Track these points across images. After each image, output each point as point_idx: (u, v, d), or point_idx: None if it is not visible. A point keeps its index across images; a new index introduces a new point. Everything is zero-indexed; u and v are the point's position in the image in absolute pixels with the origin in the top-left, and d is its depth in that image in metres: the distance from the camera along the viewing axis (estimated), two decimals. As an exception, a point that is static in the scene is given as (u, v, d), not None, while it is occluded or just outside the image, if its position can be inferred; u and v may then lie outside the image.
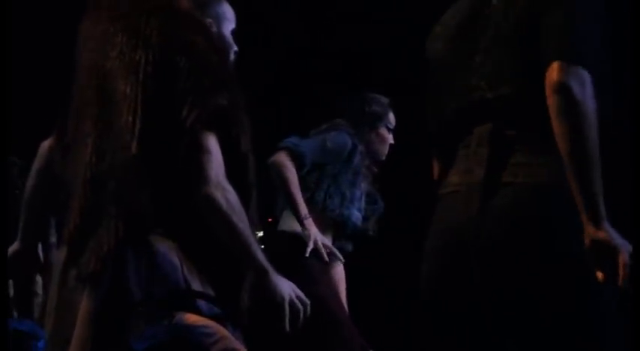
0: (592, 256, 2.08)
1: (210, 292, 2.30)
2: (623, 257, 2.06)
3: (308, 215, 3.85)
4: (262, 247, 3.76)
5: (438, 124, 2.42)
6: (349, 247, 4.27)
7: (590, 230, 2.07)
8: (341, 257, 3.97)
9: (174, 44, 2.30)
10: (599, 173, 2.09)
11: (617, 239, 2.08)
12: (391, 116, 4.27)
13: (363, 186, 4.17)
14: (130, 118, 2.25)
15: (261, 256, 2.32)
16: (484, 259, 2.16)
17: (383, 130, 4.24)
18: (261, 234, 4.12)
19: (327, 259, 3.83)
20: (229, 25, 2.58)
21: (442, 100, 2.38)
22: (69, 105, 2.42)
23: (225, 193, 2.27)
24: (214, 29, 2.52)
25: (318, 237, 3.83)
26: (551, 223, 2.13)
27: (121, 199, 2.24)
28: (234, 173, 2.31)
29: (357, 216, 4.13)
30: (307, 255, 3.78)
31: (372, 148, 4.20)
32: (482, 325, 2.21)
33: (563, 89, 2.09)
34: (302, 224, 3.86)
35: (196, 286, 2.26)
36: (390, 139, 4.27)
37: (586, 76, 2.10)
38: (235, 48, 2.58)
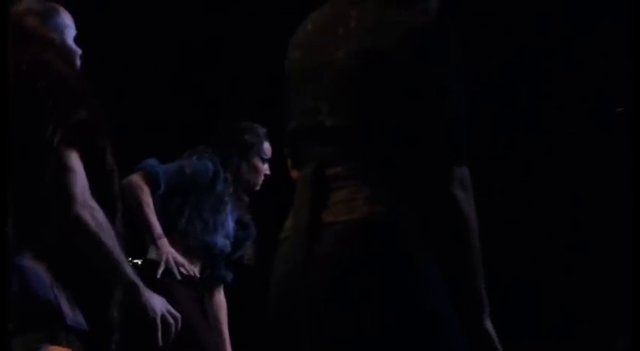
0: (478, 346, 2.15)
1: (79, 312, 2.32)
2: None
3: (162, 235, 3.80)
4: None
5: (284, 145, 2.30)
6: (229, 276, 4.26)
7: (477, 325, 2.13)
8: (196, 273, 3.91)
9: (27, 66, 2.31)
10: (482, 274, 2.14)
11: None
12: (266, 147, 4.22)
13: (233, 213, 4.14)
14: None
15: (130, 272, 2.34)
16: (312, 310, 2.07)
17: (255, 160, 4.18)
18: (138, 262, 4.07)
19: (179, 276, 3.77)
20: (71, 31, 2.58)
21: (288, 116, 2.25)
22: None
23: (93, 212, 2.29)
24: (59, 41, 2.53)
25: (170, 256, 3.77)
26: (368, 263, 2.04)
27: None
28: (99, 187, 2.33)
29: (223, 242, 4.09)
30: (159, 276, 3.69)
31: (243, 178, 4.15)
32: None
33: (454, 210, 2.08)
34: (155, 243, 3.80)
35: (64, 305, 2.28)
36: (264, 169, 4.21)
37: (467, 175, 2.10)
38: (80, 52, 2.58)
